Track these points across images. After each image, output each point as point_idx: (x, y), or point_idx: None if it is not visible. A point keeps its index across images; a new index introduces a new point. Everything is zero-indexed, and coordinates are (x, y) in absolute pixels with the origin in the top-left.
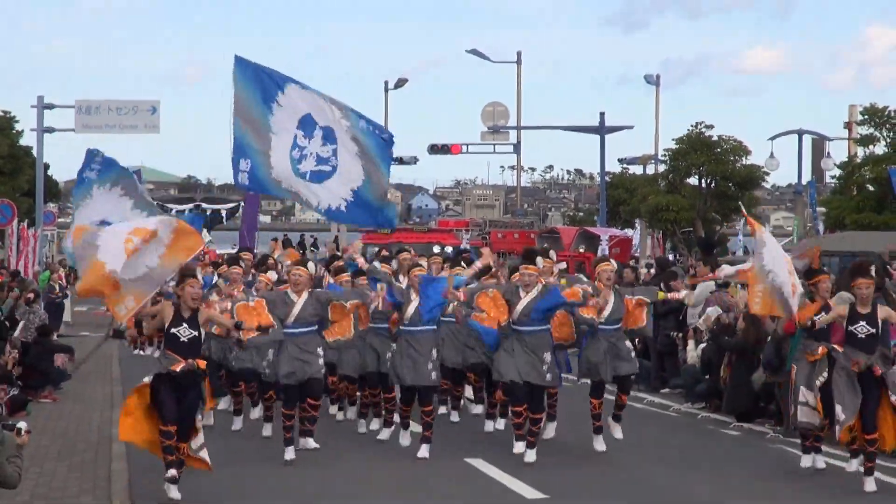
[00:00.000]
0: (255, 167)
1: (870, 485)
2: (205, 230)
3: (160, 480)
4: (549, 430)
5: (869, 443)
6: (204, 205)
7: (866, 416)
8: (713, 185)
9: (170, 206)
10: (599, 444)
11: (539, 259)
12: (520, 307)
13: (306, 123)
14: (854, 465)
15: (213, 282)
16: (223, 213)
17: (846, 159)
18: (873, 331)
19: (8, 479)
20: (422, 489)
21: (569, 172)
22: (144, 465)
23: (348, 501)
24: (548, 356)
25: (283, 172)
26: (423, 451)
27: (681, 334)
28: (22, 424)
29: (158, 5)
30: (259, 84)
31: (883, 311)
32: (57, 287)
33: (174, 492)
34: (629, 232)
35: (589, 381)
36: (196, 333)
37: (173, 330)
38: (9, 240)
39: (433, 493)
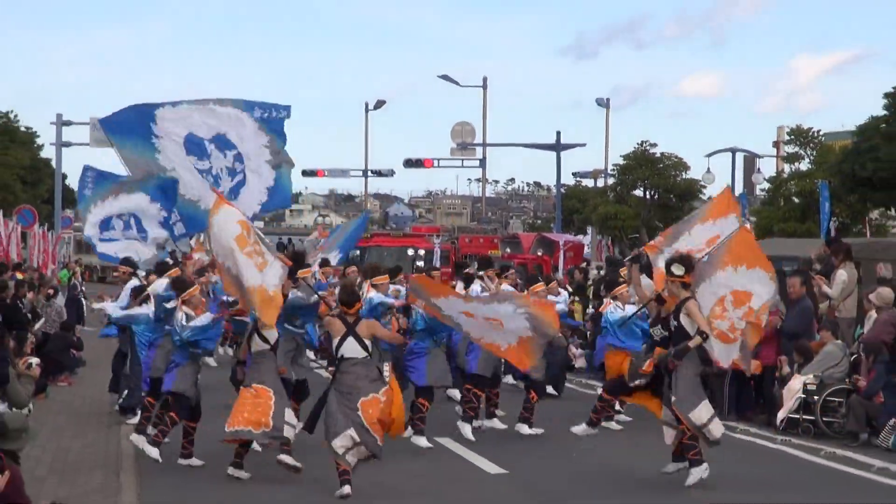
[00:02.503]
0: (181, 214)
1: (693, 477)
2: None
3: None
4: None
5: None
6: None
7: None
8: (656, 196)
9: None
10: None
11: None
12: None
13: (192, 144)
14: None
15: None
16: None
17: (774, 174)
18: (674, 324)
19: (17, 395)
20: (391, 464)
21: (528, 185)
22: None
23: (315, 477)
24: None
25: (204, 199)
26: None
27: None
28: (33, 360)
29: (162, 36)
30: (132, 126)
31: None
32: (78, 284)
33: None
34: (582, 238)
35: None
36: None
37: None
38: (31, 241)
39: (402, 468)
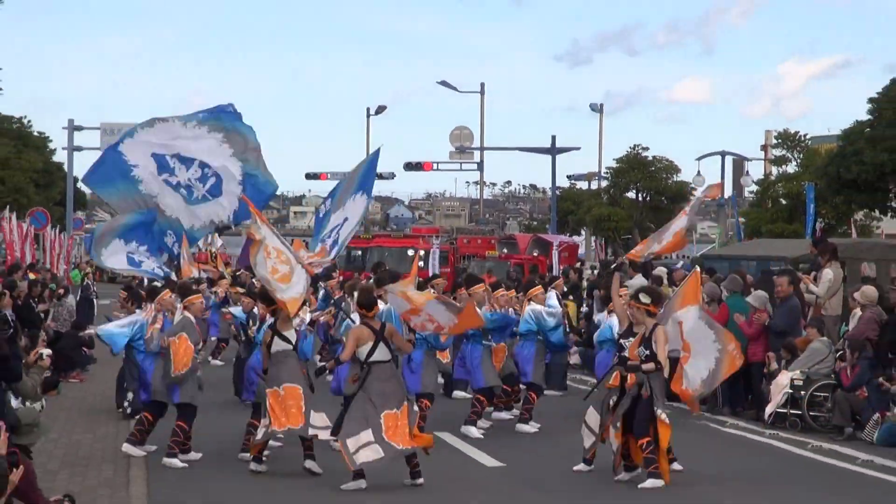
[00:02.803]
0: (175, 233)
1: (650, 483)
2: (216, 235)
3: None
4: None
5: (642, 447)
6: None
7: (636, 423)
8: (648, 198)
9: None
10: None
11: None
12: None
13: (160, 164)
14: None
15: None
16: None
17: (762, 177)
18: (647, 352)
19: (25, 387)
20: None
21: (524, 187)
22: (157, 439)
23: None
24: None
25: (193, 215)
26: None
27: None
28: (45, 351)
29: (170, 43)
30: (110, 173)
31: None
32: (91, 285)
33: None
34: (576, 238)
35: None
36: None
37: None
38: (44, 242)
39: (401, 460)
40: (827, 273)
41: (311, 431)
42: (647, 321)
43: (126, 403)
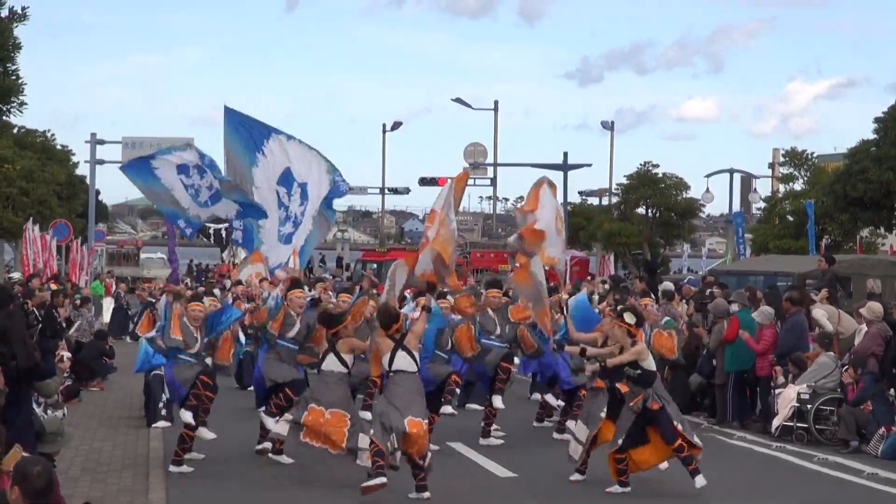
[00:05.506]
0: (246, 224)
1: (699, 481)
2: (239, 247)
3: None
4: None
5: (676, 450)
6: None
7: (662, 433)
8: (658, 214)
9: (207, 224)
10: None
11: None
12: None
13: (286, 178)
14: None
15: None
16: None
17: (770, 194)
18: (638, 371)
19: (47, 387)
20: (402, 465)
21: None
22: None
23: (335, 474)
24: None
25: (270, 231)
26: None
27: None
28: (65, 354)
29: (191, 61)
30: (243, 134)
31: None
32: (122, 294)
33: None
34: (587, 254)
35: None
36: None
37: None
38: (67, 254)
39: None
40: (817, 313)
41: (359, 461)
42: (626, 340)
43: (161, 405)
